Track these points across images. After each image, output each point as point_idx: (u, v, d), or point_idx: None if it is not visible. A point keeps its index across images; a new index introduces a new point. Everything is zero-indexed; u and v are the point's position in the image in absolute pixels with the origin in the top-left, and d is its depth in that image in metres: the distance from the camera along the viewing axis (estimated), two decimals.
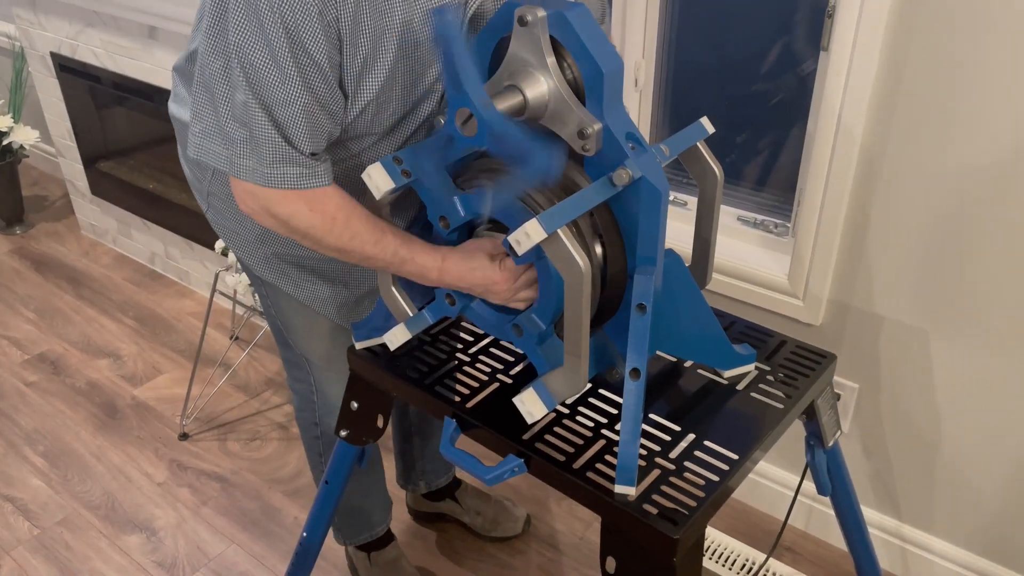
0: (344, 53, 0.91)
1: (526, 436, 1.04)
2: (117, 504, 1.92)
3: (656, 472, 0.98)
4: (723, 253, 1.62)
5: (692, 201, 1.73)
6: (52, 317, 2.62)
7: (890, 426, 1.56)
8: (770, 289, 1.56)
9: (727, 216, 1.68)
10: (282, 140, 0.91)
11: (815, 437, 1.21)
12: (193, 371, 2.12)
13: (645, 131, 1.74)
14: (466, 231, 1.05)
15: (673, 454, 1.00)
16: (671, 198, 1.74)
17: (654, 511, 0.92)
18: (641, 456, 1.00)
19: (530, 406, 0.97)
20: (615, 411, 1.06)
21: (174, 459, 2.03)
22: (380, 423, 1.23)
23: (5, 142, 2.98)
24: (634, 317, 0.95)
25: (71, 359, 2.42)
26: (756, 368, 1.14)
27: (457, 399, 1.09)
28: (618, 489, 0.94)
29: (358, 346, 1.18)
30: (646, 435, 1.03)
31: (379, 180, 0.97)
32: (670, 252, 1.00)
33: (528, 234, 0.85)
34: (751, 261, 1.59)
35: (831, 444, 1.22)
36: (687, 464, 0.99)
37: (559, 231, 0.86)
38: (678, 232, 1.58)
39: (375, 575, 1.60)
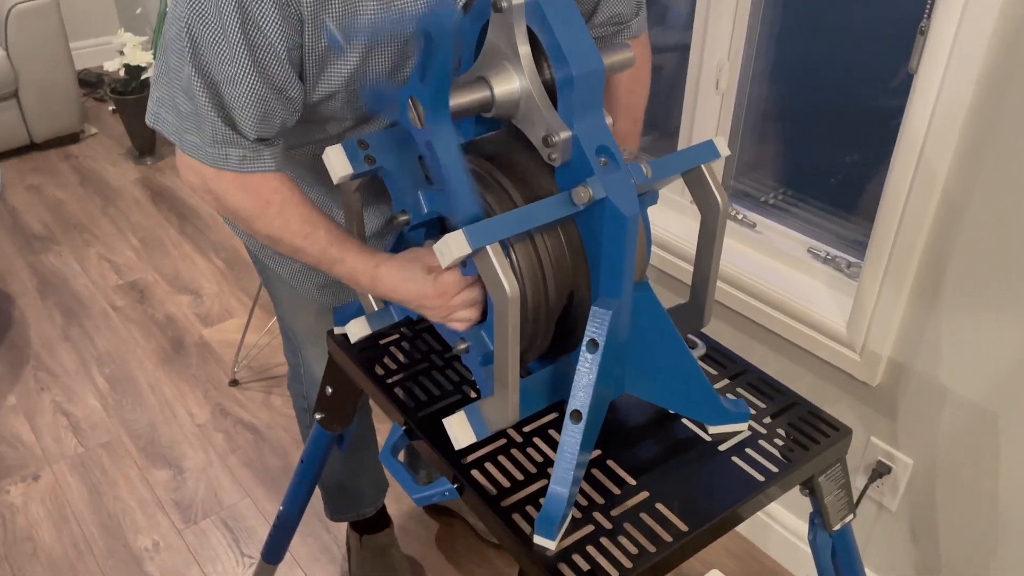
0: (305, 35, 0.85)
1: (467, 460, 0.95)
2: (156, 437, 1.99)
3: (589, 528, 0.87)
4: (781, 285, 1.44)
5: (761, 222, 1.56)
6: (153, 248, 2.75)
7: (945, 511, 1.35)
8: (826, 336, 1.38)
9: (796, 245, 1.50)
10: (222, 122, 0.86)
11: (819, 515, 1.06)
12: (248, 319, 2.16)
13: (723, 136, 1.58)
14: (436, 232, 0.97)
15: (616, 511, 0.89)
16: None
17: (570, 572, 0.82)
18: (579, 506, 0.89)
19: (457, 431, 0.89)
20: None
21: (219, 403, 2.08)
22: (349, 412, 1.18)
23: (144, 76, 3.14)
24: (583, 353, 0.84)
25: (157, 290, 2.54)
26: (750, 429, 1.00)
27: (412, 405, 1.02)
28: (537, 539, 0.84)
29: (336, 331, 1.13)
30: (594, 483, 0.92)
31: (336, 163, 0.91)
32: (643, 285, 0.88)
33: (450, 246, 0.75)
34: (811, 300, 1.41)
35: (837, 528, 1.06)
36: (627, 526, 0.87)
37: (488, 248, 0.76)
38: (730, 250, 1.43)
39: (363, 558, 1.57)
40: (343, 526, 1.70)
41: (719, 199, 0.90)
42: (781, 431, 1.00)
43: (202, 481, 1.86)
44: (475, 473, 0.94)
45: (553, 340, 0.94)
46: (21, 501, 1.82)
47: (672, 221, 1.65)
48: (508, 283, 0.76)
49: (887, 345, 1.30)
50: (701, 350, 1.10)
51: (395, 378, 1.06)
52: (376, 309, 1.04)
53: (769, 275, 1.47)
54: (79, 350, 2.28)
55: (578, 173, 0.82)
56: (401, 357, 1.10)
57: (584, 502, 0.91)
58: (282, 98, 0.88)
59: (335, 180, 0.91)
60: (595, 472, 0.95)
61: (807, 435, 0.99)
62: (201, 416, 2.04)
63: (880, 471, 1.40)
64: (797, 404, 1.04)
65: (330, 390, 1.18)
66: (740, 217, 1.57)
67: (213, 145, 0.88)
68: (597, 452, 0.97)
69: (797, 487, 1.01)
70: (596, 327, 0.83)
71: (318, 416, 1.21)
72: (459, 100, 0.82)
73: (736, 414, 0.98)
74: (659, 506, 0.89)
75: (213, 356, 2.25)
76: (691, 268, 1.53)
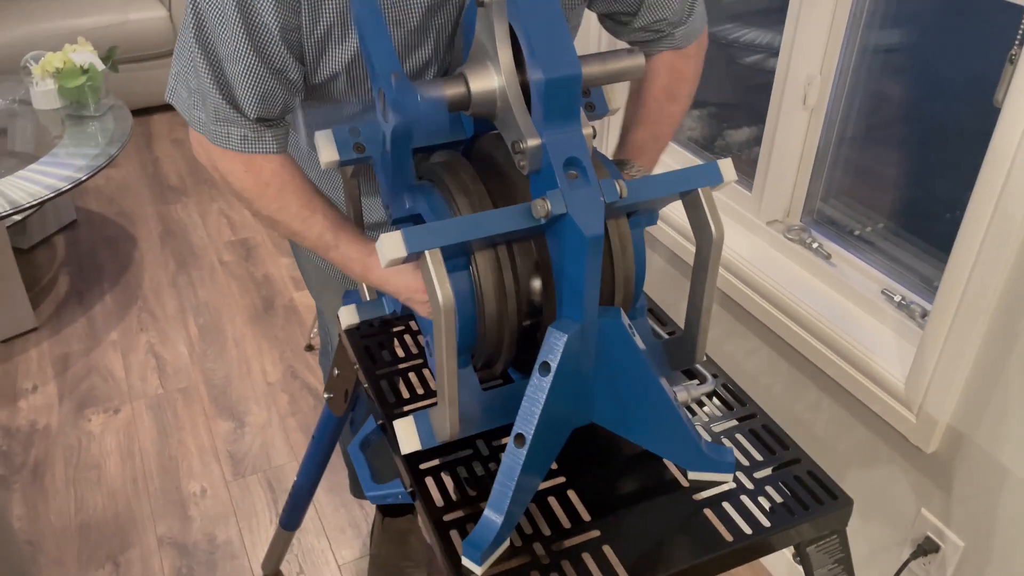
0: (304, 18, 0.84)
1: (424, 466, 0.93)
2: (229, 390, 2.08)
3: (524, 559, 0.82)
4: (844, 326, 1.31)
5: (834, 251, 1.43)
6: None
7: None
8: (884, 390, 1.25)
9: (870, 284, 1.36)
10: (223, 100, 0.87)
11: None
12: None
13: (808, 156, 1.45)
14: None
15: (558, 546, 0.84)
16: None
17: None
18: (522, 533, 0.85)
19: (404, 435, 0.86)
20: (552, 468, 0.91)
21: (291, 365, 2.16)
22: (349, 396, 1.18)
23: None
24: (535, 374, 0.79)
25: (262, 251, 2.66)
26: (736, 481, 0.91)
27: (392, 400, 1.00)
28: (464, 560, 0.81)
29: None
30: (547, 512, 0.87)
31: (324, 148, 0.89)
32: (614, 312, 0.81)
33: (386, 247, 0.72)
34: (873, 348, 1.28)
35: None
36: (565, 564, 0.82)
37: (427, 254, 0.73)
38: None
39: (383, 540, 1.58)
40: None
41: (713, 229, 0.82)
42: (771, 489, 0.90)
43: (259, 438, 1.93)
44: (429, 480, 0.91)
45: (528, 354, 0.89)
46: (99, 431, 1.96)
47: (741, 242, 1.54)
48: (442, 292, 0.72)
49: (946, 410, 1.15)
50: (708, 386, 1.01)
51: (388, 369, 1.04)
52: (369, 299, 1.03)
53: (833, 313, 1.35)
54: (182, 297, 2.43)
55: (545, 184, 0.76)
56: (403, 350, 1.08)
57: (529, 530, 0.86)
58: (281, 79, 0.88)
59: (322, 165, 0.90)
60: (551, 500, 0.89)
61: (799, 499, 0.89)
62: (273, 375, 2.12)
63: (927, 548, 1.25)
64: (799, 462, 0.94)
65: (336, 371, 1.19)
66: (815, 246, 1.44)
67: (216, 123, 0.89)
68: (561, 479, 0.92)
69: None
70: (549, 349, 0.78)
71: (326, 395, 1.22)
72: (432, 93, 0.78)
73: (719, 462, 0.90)
74: (606, 548, 0.83)
75: (297, 319, 2.34)
76: (758, 296, 1.43)
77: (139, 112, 3.49)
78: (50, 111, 2.40)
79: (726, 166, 0.84)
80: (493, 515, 0.80)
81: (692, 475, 0.91)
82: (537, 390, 0.79)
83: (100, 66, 2.35)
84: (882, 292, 1.33)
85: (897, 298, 1.31)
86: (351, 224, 0.95)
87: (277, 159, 0.92)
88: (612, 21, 1.03)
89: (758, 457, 0.94)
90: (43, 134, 2.36)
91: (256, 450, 1.90)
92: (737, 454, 0.95)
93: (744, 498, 0.89)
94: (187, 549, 1.67)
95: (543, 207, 0.74)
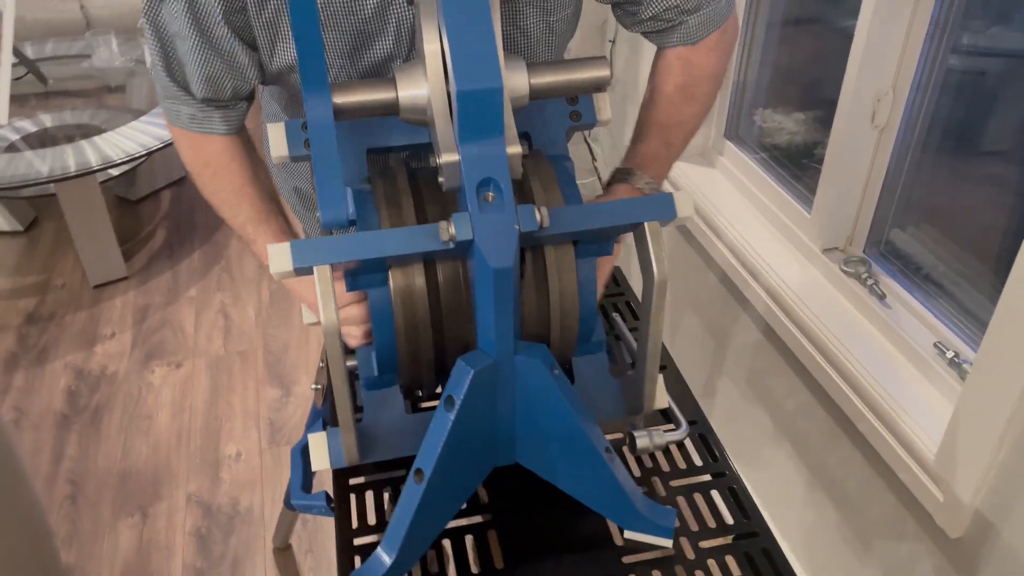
0: (250, 5, 0.81)
1: (353, 481, 0.89)
2: (284, 358, 2.13)
3: None
4: (883, 378, 1.17)
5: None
6: None
7: None
8: (914, 459, 1.09)
9: (924, 332, 1.20)
10: (169, 79, 0.87)
11: None
12: None
13: (876, 181, 1.30)
14: None
15: None
16: None
17: None
18: (424, 569, 0.79)
19: (316, 451, 0.82)
20: (482, 502, 0.85)
21: None
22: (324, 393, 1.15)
23: None
24: (439, 408, 0.73)
25: None
26: (675, 547, 0.82)
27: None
28: None
29: None
30: (458, 551, 0.82)
31: (275, 142, 0.86)
32: (536, 349, 0.74)
33: (274, 258, 0.68)
34: (909, 408, 1.13)
35: None
36: None
37: (316, 270, 0.68)
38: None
39: None
40: None
41: (655, 271, 0.73)
42: (713, 563, 0.80)
43: (300, 409, 1.96)
44: (353, 497, 0.88)
45: None
46: (159, 383, 2.05)
47: (791, 270, 1.40)
48: (324, 312, 0.68)
49: (975, 493, 1.00)
50: (677, 435, 0.91)
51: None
52: None
53: (874, 362, 1.20)
54: None
55: (462, 204, 0.70)
56: None
57: (435, 569, 0.80)
58: (228, 62, 0.85)
59: (272, 159, 0.87)
60: (468, 539, 0.84)
61: None
62: None
63: None
64: (756, 536, 0.83)
65: (321, 364, 1.17)
66: (870, 283, 1.29)
67: (165, 100, 0.90)
68: (487, 516, 0.86)
69: None
70: (454, 383, 0.72)
71: (313, 387, 1.21)
72: (355, 98, 0.73)
73: (656, 525, 0.81)
74: None
75: None
76: (799, 333, 1.30)
77: None
78: None
79: (683, 200, 0.74)
80: (383, 553, 0.75)
81: (628, 534, 0.82)
82: (440, 424, 0.73)
83: None
84: (935, 344, 1.17)
85: (950, 353, 1.14)
86: (279, 220, 0.93)
87: (220, 141, 0.91)
88: (622, 11, 0.93)
89: (711, 524, 0.84)
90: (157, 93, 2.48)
91: (296, 421, 1.93)
92: (688, 516, 0.85)
93: (678, 568, 0.80)
94: (211, 510, 1.72)
95: (447, 231, 0.67)
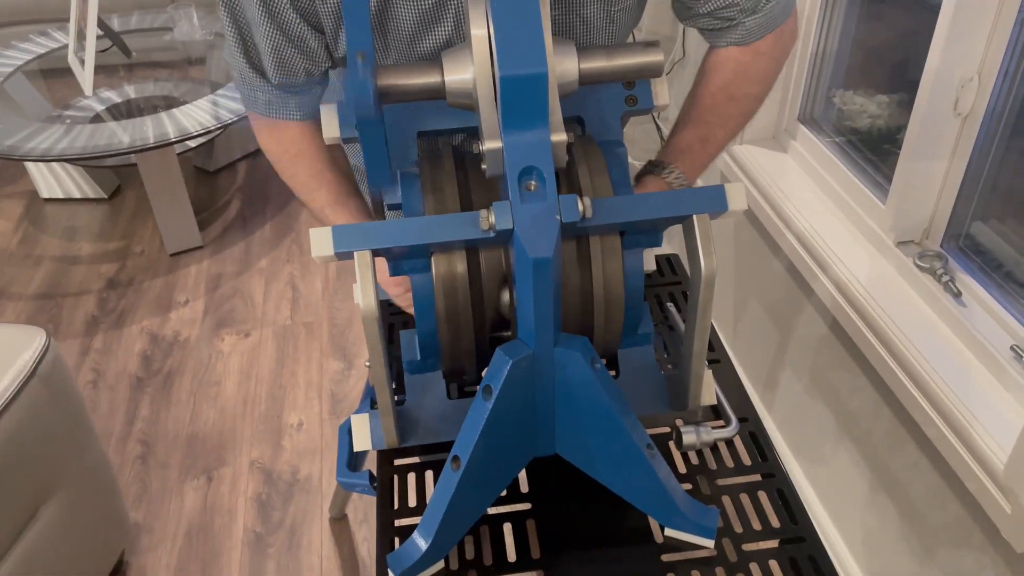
0: None
1: (399, 462, 0.90)
2: (348, 331, 2.16)
3: None
4: (954, 382, 1.11)
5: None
6: None
7: None
8: (981, 467, 1.04)
9: (1001, 334, 1.13)
10: (247, 65, 0.89)
11: None
12: None
13: (957, 172, 1.23)
14: None
15: None
16: None
17: None
18: (461, 557, 0.80)
19: (357, 432, 0.82)
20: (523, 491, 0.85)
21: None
22: None
23: None
24: (477, 397, 0.73)
25: None
26: (718, 548, 0.80)
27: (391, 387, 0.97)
28: (390, 574, 0.77)
29: None
30: (497, 540, 0.81)
31: (327, 124, 0.86)
32: (577, 341, 0.72)
33: (316, 242, 0.68)
34: (980, 414, 1.07)
35: None
36: None
37: (356, 255, 0.68)
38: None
39: None
40: None
41: (703, 266, 0.70)
42: (756, 566, 0.78)
43: (360, 382, 2.00)
44: (396, 477, 0.88)
45: None
46: (228, 351, 2.11)
47: (862, 263, 1.34)
48: (364, 297, 0.67)
49: None
50: (726, 432, 0.89)
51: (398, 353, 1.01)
52: None
53: (945, 364, 1.14)
54: None
55: (504, 192, 0.69)
56: None
57: (471, 555, 0.81)
58: (299, 47, 0.86)
59: (326, 139, 0.87)
60: (507, 527, 0.83)
61: None
62: None
63: None
64: (803, 541, 0.81)
65: None
66: (945, 279, 1.22)
67: (243, 86, 0.92)
68: (526, 506, 0.85)
69: None
70: (492, 373, 0.71)
71: (367, 364, 1.22)
72: (401, 81, 0.72)
73: (697, 525, 0.79)
74: None
75: None
76: (866, 329, 1.25)
77: None
78: None
79: (735, 192, 0.71)
80: (419, 538, 0.76)
81: (668, 531, 0.81)
82: (478, 413, 0.72)
83: None
84: (1012, 348, 1.11)
85: None
86: (356, 202, 0.94)
87: (297, 126, 0.93)
88: (680, 3, 0.90)
89: (756, 526, 0.82)
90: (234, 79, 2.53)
91: (356, 394, 1.97)
92: (732, 517, 0.83)
93: (719, 570, 0.78)
94: (271, 477, 1.77)
95: (487, 219, 0.66)
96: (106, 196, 2.76)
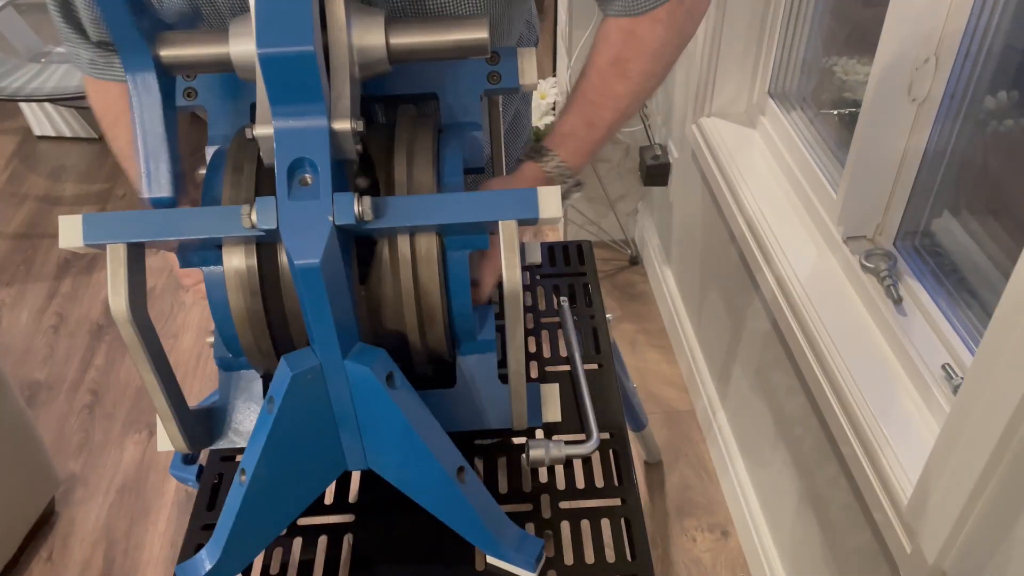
0: None
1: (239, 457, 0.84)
2: None
3: None
4: (873, 399, 1.01)
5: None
6: None
7: None
8: (887, 497, 0.95)
9: (936, 350, 1.03)
10: (63, 22, 0.82)
11: None
12: None
13: (911, 163, 1.11)
14: None
15: None
16: None
17: None
18: (265, 571, 0.74)
19: (160, 430, 0.77)
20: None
21: None
22: None
23: None
24: (263, 407, 0.66)
25: None
26: None
27: None
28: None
29: None
30: (308, 551, 0.76)
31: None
32: (370, 354, 0.65)
33: (65, 232, 0.62)
34: (895, 441, 0.97)
35: None
36: None
37: (108, 248, 0.61)
38: None
39: None
40: None
41: (505, 279, 0.62)
42: None
43: None
44: (224, 477, 0.83)
45: None
46: (190, 303, 2.08)
47: (805, 259, 1.23)
48: (113, 296, 0.61)
49: (943, 549, 0.85)
50: (585, 448, 0.82)
51: None
52: None
53: (868, 376, 1.04)
54: None
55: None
56: None
57: (276, 570, 0.75)
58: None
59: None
60: (321, 540, 0.77)
61: None
62: None
63: None
64: None
65: None
66: (888, 282, 1.11)
67: (65, 44, 0.86)
68: (348, 518, 0.79)
69: None
70: (276, 385, 0.65)
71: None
72: (184, 52, 0.65)
73: (516, 556, 0.72)
74: None
75: None
76: (799, 331, 1.15)
77: None
78: None
79: (548, 198, 0.62)
80: (206, 555, 0.70)
81: (491, 559, 0.74)
82: (262, 424, 0.66)
83: None
84: (943, 366, 1.00)
85: (957, 380, 0.97)
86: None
87: (121, 87, 0.88)
88: None
89: (589, 559, 0.75)
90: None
91: None
92: (567, 545, 0.76)
93: None
94: None
95: (247, 217, 0.59)
96: (96, 136, 2.74)
